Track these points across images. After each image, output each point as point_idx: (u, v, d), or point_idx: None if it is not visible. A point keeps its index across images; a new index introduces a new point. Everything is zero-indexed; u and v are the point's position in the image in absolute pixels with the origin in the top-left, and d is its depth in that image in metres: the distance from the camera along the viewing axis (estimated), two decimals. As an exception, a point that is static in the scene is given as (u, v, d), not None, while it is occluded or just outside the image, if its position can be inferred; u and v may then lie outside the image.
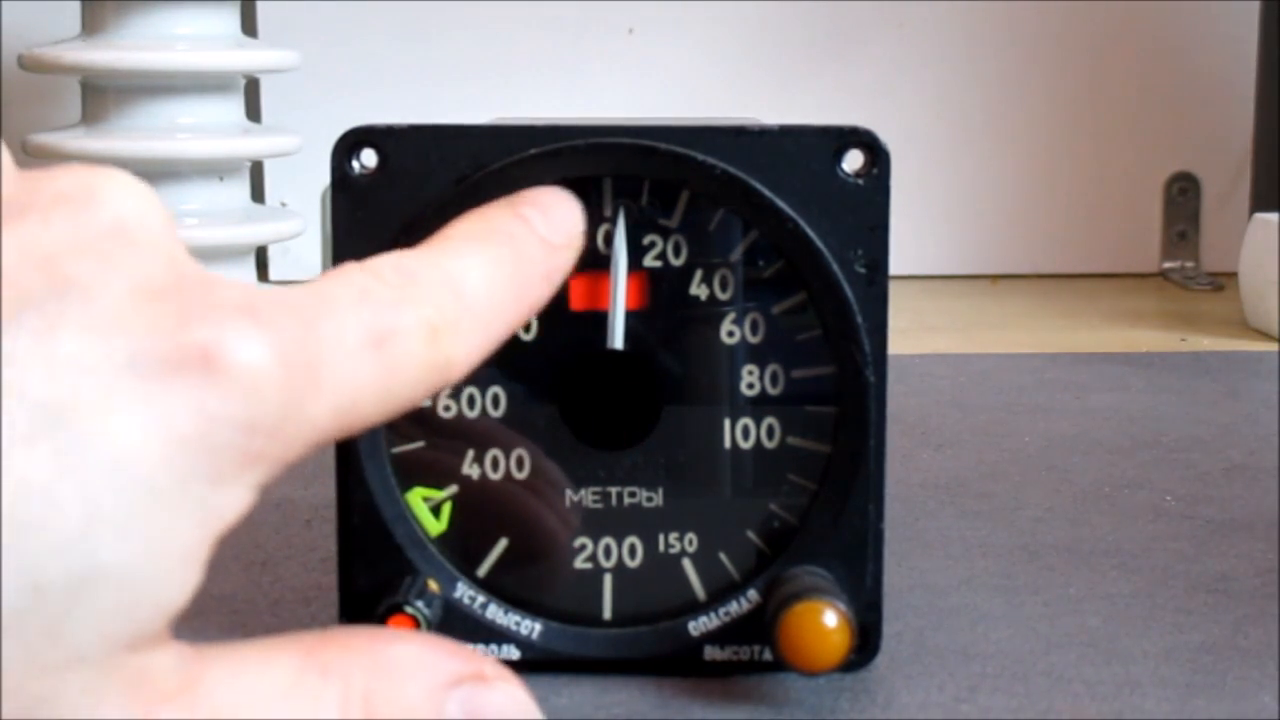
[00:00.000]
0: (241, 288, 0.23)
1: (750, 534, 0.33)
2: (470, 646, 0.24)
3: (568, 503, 0.33)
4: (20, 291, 0.21)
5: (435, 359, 0.25)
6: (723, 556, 0.33)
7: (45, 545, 0.20)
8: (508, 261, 0.28)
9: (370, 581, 0.32)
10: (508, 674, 0.25)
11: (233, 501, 0.22)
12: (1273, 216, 0.77)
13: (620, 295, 0.32)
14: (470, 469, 0.33)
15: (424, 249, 0.27)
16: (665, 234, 0.33)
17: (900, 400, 0.56)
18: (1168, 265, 0.96)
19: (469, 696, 0.24)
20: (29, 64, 0.74)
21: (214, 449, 0.22)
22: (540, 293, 0.28)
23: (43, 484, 0.20)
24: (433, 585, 0.32)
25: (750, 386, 0.33)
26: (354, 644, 0.24)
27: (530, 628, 0.33)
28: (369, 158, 0.32)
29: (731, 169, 0.32)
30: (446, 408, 0.33)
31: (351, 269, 0.25)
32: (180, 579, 0.22)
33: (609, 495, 0.33)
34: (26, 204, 0.22)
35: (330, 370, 0.23)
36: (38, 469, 0.20)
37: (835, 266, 0.32)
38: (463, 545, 0.33)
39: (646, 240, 0.33)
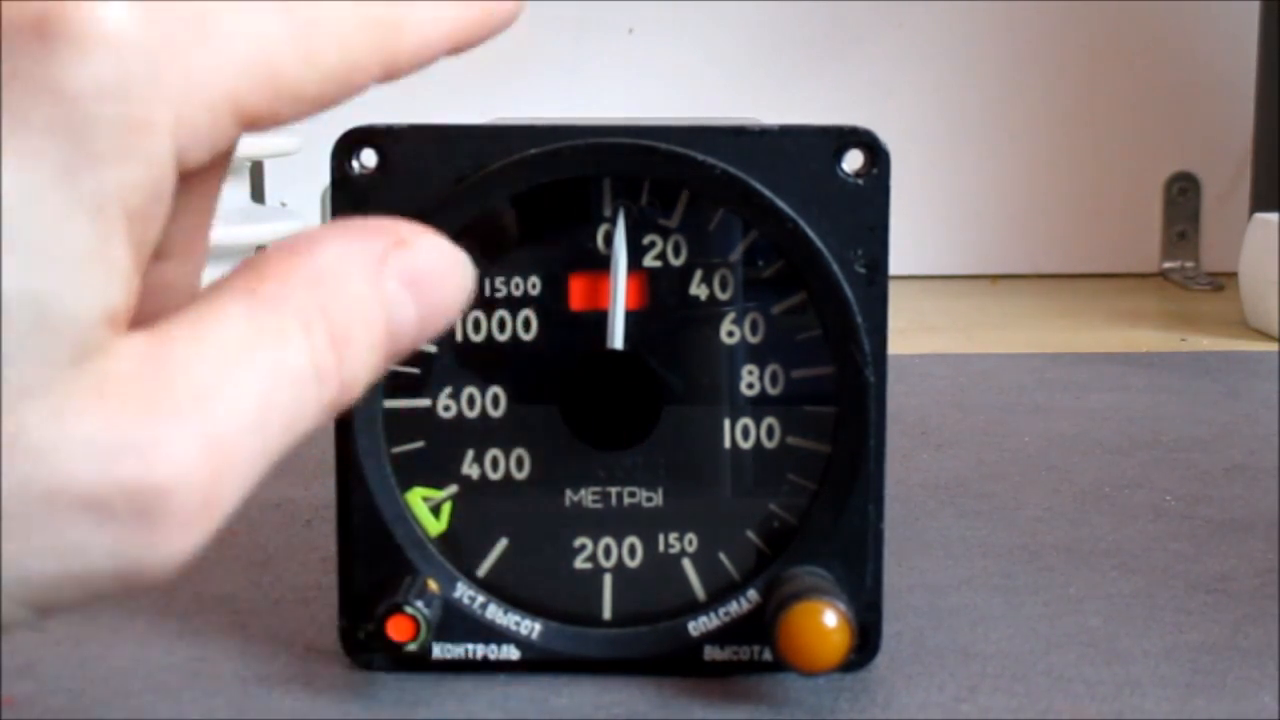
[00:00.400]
0: None
1: (750, 534, 0.33)
2: (378, 221, 0.24)
3: (567, 502, 0.33)
4: None
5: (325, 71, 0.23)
6: (723, 556, 0.33)
7: None
8: None
9: (370, 581, 0.32)
10: (422, 229, 0.24)
11: (126, 178, 0.20)
12: (1273, 216, 0.77)
13: (620, 295, 0.32)
14: (470, 469, 0.33)
15: None
16: (665, 234, 0.33)
17: (900, 400, 0.56)
18: (1168, 265, 0.96)
19: (400, 269, 0.23)
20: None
21: (79, 126, 0.20)
22: None
23: None
24: (433, 585, 0.32)
25: (750, 386, 0.33)
26: (285, 268, 0.23)
27: (530, 628, 0.33)
28: (369, 158, 0.32)
29: (731, 169, 0.32)
30: (446, 408, 0.33)
31: None
32: (96, 278, 0.20)
33: (609, 495, 0.33)
34: None
35: (221, 31, 0.21)
36: None
37: (835, 266, 0.32)
38: (462, 545, 0.33)
39: (646, 240, 0.33)
